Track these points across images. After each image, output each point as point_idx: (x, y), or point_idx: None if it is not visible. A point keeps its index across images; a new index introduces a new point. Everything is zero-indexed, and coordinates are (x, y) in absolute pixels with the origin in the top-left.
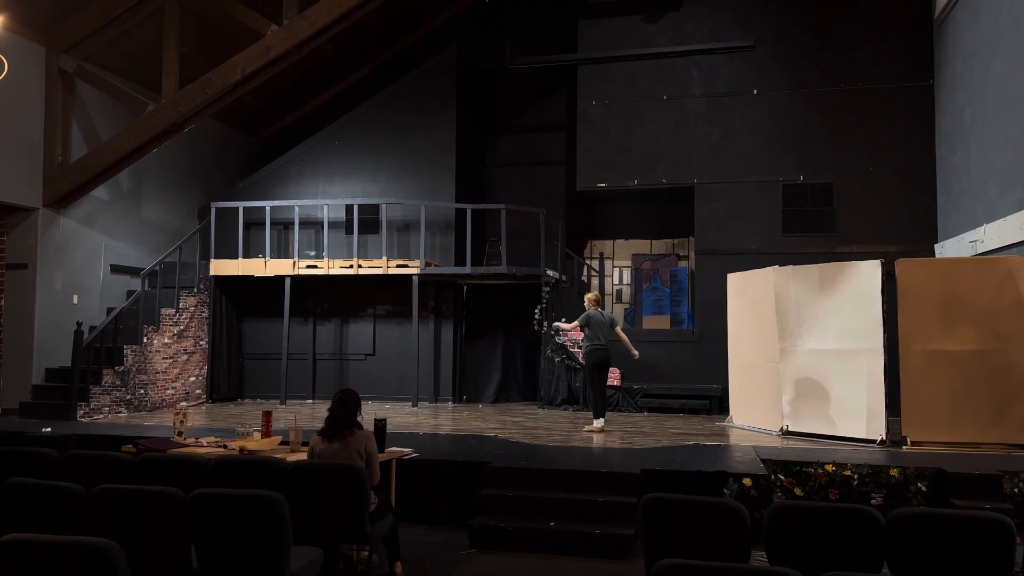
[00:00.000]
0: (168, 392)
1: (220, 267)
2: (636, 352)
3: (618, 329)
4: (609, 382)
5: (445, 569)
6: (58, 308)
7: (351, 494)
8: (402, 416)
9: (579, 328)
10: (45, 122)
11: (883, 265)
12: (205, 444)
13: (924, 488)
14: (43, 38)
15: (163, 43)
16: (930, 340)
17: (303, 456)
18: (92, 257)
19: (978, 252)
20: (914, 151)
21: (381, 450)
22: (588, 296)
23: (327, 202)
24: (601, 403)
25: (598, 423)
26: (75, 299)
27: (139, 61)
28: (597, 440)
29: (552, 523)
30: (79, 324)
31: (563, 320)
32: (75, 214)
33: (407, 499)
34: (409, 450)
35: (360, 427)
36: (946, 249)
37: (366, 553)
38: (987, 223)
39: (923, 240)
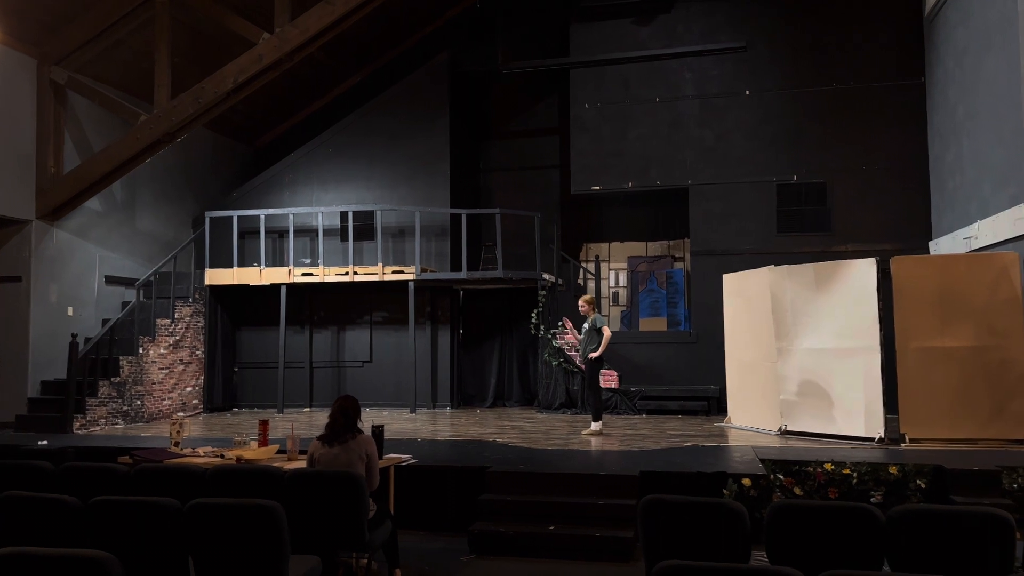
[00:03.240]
0: (165, 403)
1: (215, 276)
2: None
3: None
4: (607, 384)
5: (445, 575)
6: (53, 320)
7: (349, 502)
8: (400, 422)
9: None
10: (37, 134)
11: (878, 263)
12: (202, 454)
13: (923, 485)
14: (34, 50)
15: (155, 53)
16: (927, 337)
17: (301, 464)
18: (86, 268)
19: (972, 249)
20: (907, 149)
21: (379, 457)
22: (591, 299)
23: (322, 209)
24: (601, 405)
25: (597, 425)
26: (70, 311)
27: (131, 72)
28: (596, 443)
29: (552, 527)
30: (74, 336)
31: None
32: (69, 226)
33: (406, 505)
34: (407, 456)
35: (360, 431)
36: (940, 246)
37: (365, 561)
38: (981, 220)
39: (917, 237)
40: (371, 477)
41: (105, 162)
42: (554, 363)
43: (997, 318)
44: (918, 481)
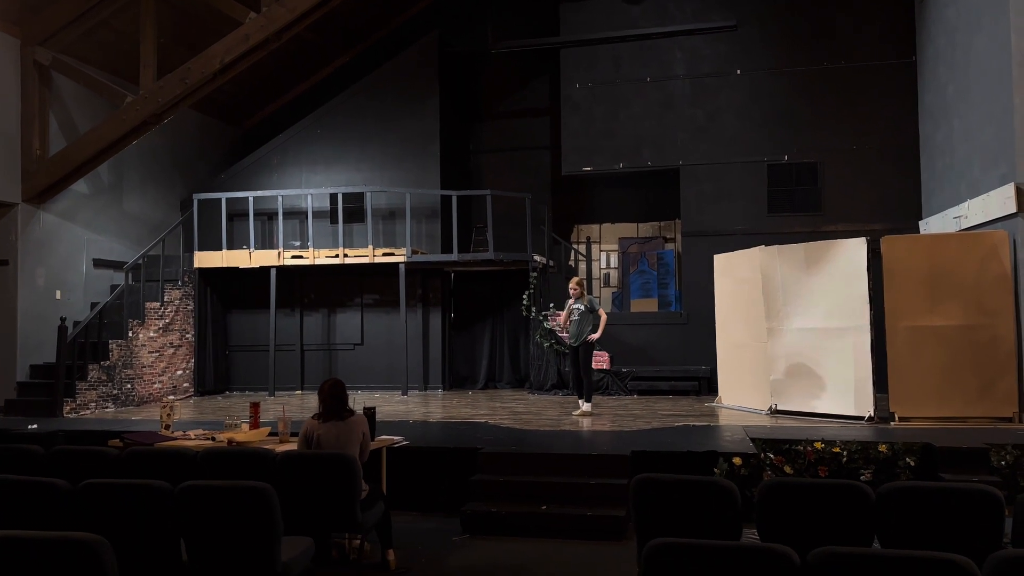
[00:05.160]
0: (155, 386)
1: (204, 259)
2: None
3: None
4: (598, 366)
5: (438, 555)
6: (41, 304)
7: (342, 483)
8: (392, 405)
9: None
10: (22, 116)
11: (868, 243)
12: (193, 437)
13: (912, 463)
14: (17, 30)
15: (140, 33)
16: (916, 316)
17: (293, 446)
18: (74, 252)
19: (962, 228)
20: (898, 129)
21: (372, 438)
22: (582, 281)
23: (311, 191)
24: (592, 386)
25: (588, 406)
26: (58, 294)
27: (116, 52)
28: (587, 423)
29: (544, 507)
30: (63, 320)
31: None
32: (55, 208)
33: (399, 487)
34: (399, 438)
35: (353, 411)
36: (930, 226)
37: (358, 541)
38: (971, 199)
39: (908, 217)
40: (363, 455)
41: (91, 144)
42: (545, 344)
43: (986, 297)
44: (907, 459)
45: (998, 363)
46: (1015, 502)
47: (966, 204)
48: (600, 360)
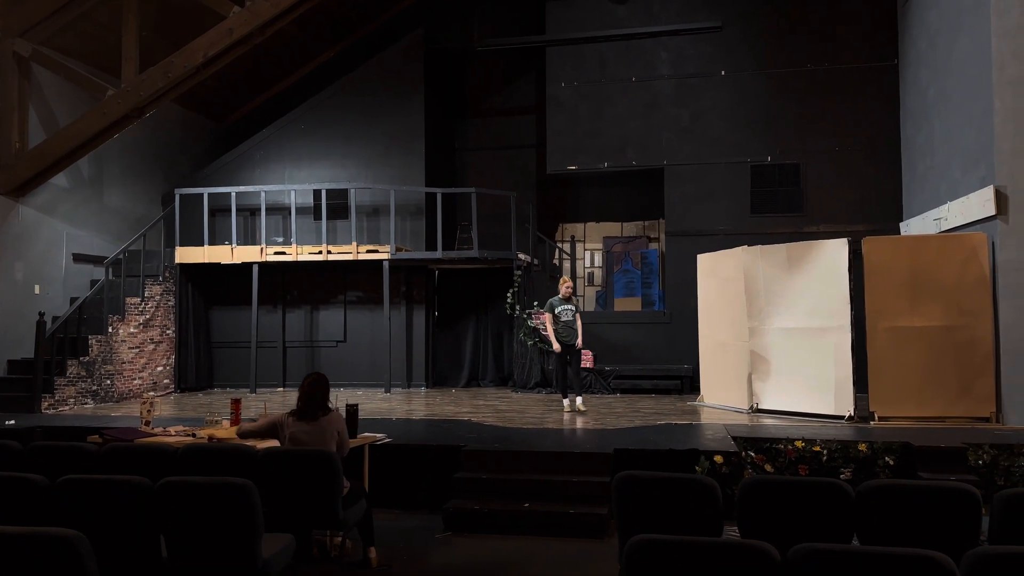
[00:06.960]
0: (135, 382)
1: (185, 255)
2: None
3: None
4: (582, 364)
5: (420, 553)
6: (19, 299)
7: (323, 480)
8: (375, 402)
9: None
10: (1, 108)
11: (850, 243)
12: (173, 433)
13: (892, 462)
14: None
15: (122, 26)
16: (897, 317)
17: (274, 443)
18: (53, 246)
19: (942, 230)
20: (880, 131)
21: (353, 435)
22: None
23: (294, 187)
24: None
25: (580, 400)
26: (37, 289)
27: (98, 45)
28: (569, 421)
29: (527, 504)
30: (41, 314)
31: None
32: (35, 202)
33: (381, 484)
34: (382, 435)
35: (331, 409)
36: (911, 227)
37: (339, 539)
38: (951, 201)
39: (889, 219)
40: (342, 451)
41: (71, 137)
42: (529, 343)
43: (966, 298)
44: (886, 458)
45: (976, 364)
46: (992, 500)
47: (946, 206)
48: (584, 359)
